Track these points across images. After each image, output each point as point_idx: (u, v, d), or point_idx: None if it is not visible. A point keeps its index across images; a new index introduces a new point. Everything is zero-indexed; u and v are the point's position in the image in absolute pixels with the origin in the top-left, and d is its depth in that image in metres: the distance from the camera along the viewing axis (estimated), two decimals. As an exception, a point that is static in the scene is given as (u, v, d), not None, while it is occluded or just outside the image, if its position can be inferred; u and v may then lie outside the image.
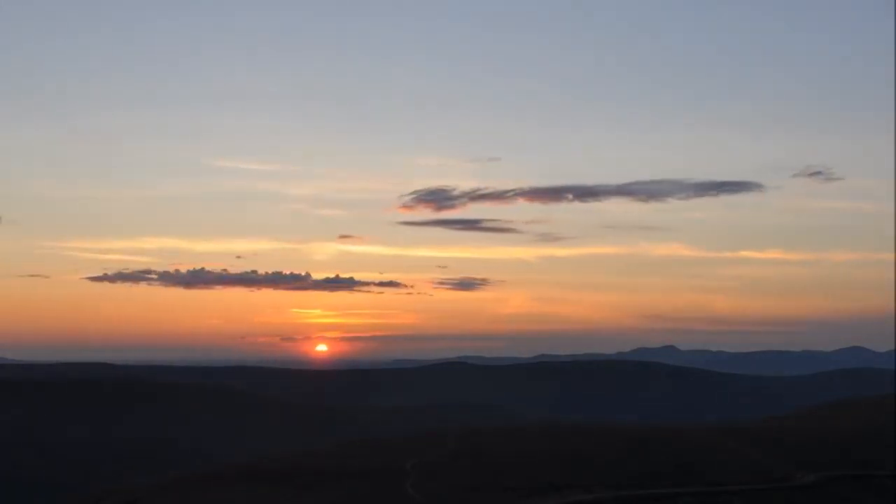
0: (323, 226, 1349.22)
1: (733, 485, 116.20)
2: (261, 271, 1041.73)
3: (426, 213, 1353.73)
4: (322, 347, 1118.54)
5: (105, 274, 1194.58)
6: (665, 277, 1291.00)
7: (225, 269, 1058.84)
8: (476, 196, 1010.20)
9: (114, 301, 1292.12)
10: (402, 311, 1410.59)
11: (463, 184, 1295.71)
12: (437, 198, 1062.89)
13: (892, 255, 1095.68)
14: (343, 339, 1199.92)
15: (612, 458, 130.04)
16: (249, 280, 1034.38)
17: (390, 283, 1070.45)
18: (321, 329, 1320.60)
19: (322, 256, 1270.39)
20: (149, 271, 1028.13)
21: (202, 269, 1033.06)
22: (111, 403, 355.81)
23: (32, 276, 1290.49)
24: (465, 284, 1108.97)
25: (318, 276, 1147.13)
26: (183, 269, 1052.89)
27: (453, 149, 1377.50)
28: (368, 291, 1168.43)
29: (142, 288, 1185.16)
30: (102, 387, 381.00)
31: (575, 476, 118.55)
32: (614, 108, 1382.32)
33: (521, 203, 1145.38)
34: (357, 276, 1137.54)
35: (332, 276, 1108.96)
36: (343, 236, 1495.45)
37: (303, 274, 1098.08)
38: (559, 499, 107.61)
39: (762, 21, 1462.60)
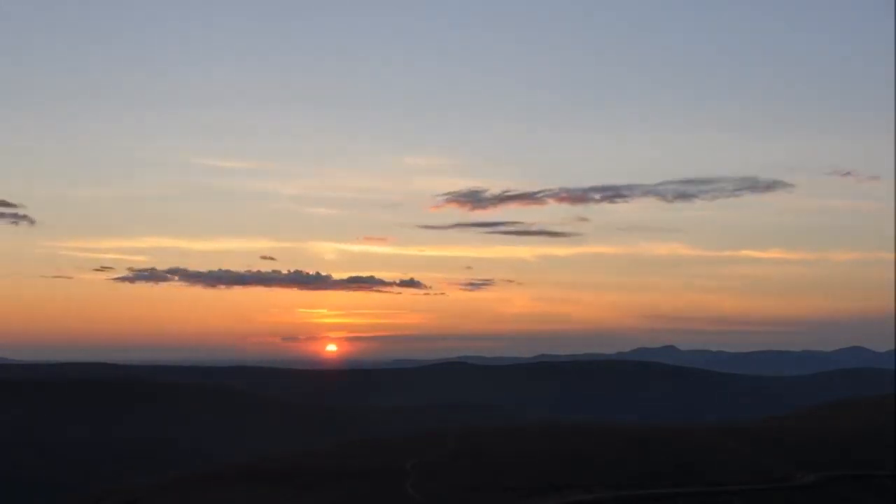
0: (345, 226, 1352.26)
1: (733, 485, 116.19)
2: (283, 271, 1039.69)
3: (458, 214, 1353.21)
4: (332, 347, 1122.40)
5: (127, 275, 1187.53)
6: (665, 277, 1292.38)
7: (249, 269, 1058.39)
8: (506, 197, 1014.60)
9: (129, 302, 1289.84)
10: (412, 312, 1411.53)
11: (495, 185, 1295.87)
12: (469, 199, 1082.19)
13: (892, 255, 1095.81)
14: (350, 338, 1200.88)
15: (612, 458, 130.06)
16: (270, 280, 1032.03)
17: (410, 284, 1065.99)
18: (332, 329, 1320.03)
19: (344, 257, 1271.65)
20: (175, 270, 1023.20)
21: (221, 269, 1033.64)
22: (111, 403, 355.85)
23: (56, 276, 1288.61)
24: (475, 285, 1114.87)
25: (340, 276, 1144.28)
26: (204, 269, 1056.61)
27: (484, 150, 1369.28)
28: (388, 292, 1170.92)
29: (162, 288, 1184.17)
30: (102, 387, 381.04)
31: (575, 476, 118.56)
32: (636, 109, 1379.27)
33: (552, 204, 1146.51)
34: (377, 276, 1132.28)
35: (353, 275, 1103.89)
36: (368, 237, 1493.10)
37: (324, 274, 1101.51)
38: (559, 499, 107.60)
39: (763, 21, 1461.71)
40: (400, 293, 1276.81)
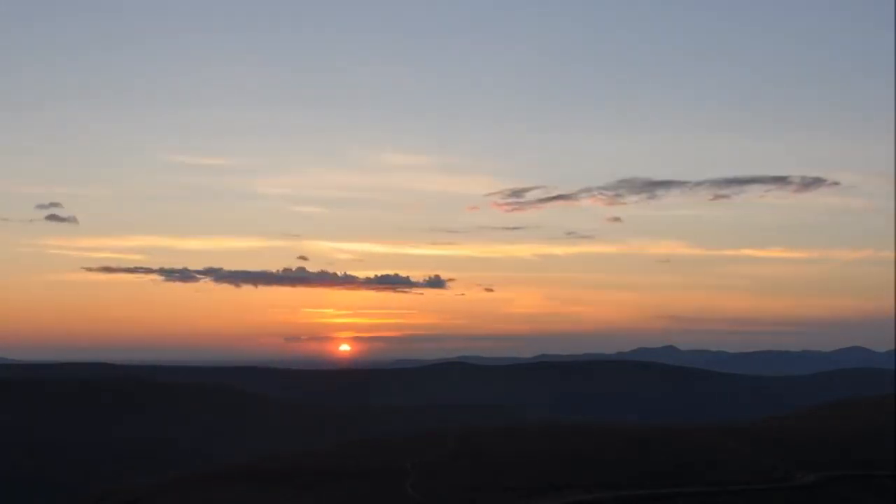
0: (370, 226, 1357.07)
1: (733, 485, 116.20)
2: (312, 270, 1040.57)
3: (491, 216, 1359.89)
4: (345, 347, 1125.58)
5: (163, 277, 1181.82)
6: (666, 276, 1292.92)
7: (282, 269, 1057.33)
8: (545, 198, 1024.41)
9: (139, 302, 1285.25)
10: (419, 312, 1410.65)
11: (533, 186, 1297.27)
12: (506, 200, 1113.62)
13: (893, 255, 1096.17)
14: (355, 339, 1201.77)
15: (612, 458, 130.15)
16: (296, 279, 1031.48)
17: (435, 284, 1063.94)
18: (338, 329, 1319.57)
19: (370, 257, 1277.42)
20: (209, 270, 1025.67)
21: (255, 269, 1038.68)
22: (111, 403, 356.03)
23: (92, 270, 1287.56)
24: (487, 285, 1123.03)
25: (366, 275, 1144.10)
26: (231, 269, 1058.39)
27: (524, 151, 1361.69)
28: (411, 292, 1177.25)
29: (190, 286, 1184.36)
30: (102, 387, 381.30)
31: (575, 476, 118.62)
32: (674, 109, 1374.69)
33: (587, 205, 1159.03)
34: (402, 275, 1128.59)
35: (379, 275, 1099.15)
36: (394, 239, 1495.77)
37: (353, 275, 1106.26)
38: (559, 499, 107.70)
39: (778, 25, 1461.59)
40: (422, 293, 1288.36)
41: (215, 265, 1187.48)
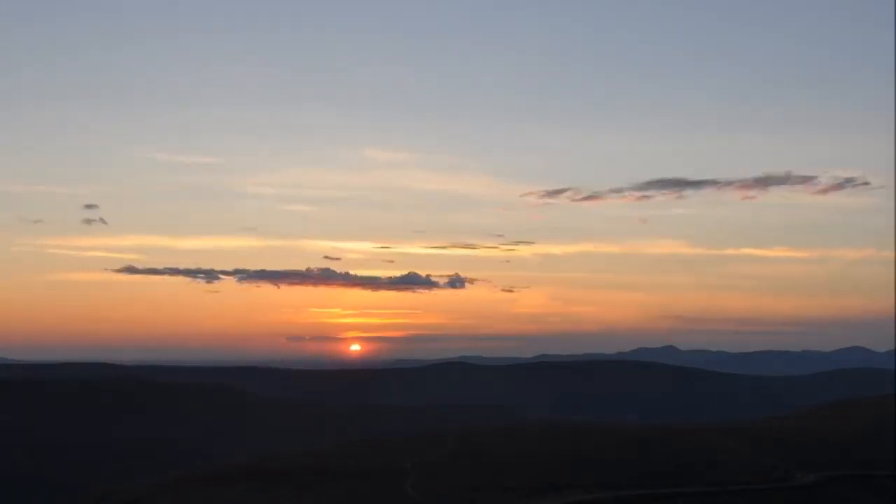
0: (391, 226, 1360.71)
1: (733, 485, 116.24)
2: (339, 270, 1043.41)
3: (522, 215, 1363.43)
4: (356, 347, 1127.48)
5: (189, 277, 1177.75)
6: (666, 276, 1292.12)
7: (309, 268, 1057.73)
8: (577, 199, 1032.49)
9: (150, 301, 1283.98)
10: (424, 312, 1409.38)
11: (565, 186, 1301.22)
12: (537, 200, 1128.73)
13: (893, 255, 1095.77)
14: (363, 338, 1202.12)
15: (612, 458, 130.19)
16: (319, 279, 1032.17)
17: (454, 285, 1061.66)
18: (345, 329, 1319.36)
19: (390, 257, 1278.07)
20: (237, 271, 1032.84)
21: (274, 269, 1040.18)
22: (111, 403, 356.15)
23: (123, 269, 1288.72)
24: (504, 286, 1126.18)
25: (391, 275, 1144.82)
26: (256, 269, 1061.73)
27: (552, 152, 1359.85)
28: (428, 292, 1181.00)
29: (208, 287, 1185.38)
30: (102, 387, 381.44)
31: (575, 476, 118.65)
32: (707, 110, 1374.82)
33: (616, 203, 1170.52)
34: (421, 276, 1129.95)
35: (398, 275, 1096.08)
36: (417, 239, 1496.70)
37: (374, 275, 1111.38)
38: (559, 499, 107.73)
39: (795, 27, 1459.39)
40: (439, 294, 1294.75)
41: (240, 266, 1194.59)
